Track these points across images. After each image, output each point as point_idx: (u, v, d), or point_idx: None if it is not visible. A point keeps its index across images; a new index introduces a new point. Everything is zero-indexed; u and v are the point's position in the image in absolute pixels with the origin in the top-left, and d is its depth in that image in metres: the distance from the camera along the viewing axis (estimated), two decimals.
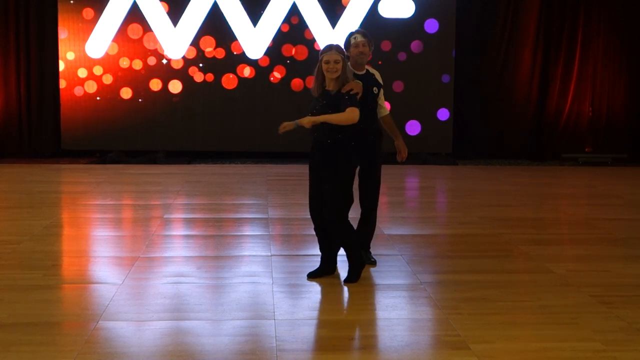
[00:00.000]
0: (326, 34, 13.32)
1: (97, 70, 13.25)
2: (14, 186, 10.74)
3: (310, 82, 13.34)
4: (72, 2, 13.12)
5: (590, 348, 4.56)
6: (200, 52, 13.36)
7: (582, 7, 13.86)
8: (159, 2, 13.21)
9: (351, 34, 6.16)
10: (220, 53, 13.38)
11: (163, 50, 13.29)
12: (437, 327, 4.95)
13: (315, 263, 6.27)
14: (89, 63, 13.23)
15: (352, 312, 5.23)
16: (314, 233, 6.00)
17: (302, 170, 11.01)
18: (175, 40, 13.26)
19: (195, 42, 13.31)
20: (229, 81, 13.45)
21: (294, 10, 13.30)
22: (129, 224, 8.53)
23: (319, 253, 6.04)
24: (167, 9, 13.23)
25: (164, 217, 8.44)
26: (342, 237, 5.80)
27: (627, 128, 14.13)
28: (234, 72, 13.43)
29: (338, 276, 6.09)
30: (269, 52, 13.37)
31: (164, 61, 13.33)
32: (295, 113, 13.21)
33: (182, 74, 13.38)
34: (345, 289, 5.73)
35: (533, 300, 5.47)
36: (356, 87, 5.73)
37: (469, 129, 14.06)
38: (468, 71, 13.96)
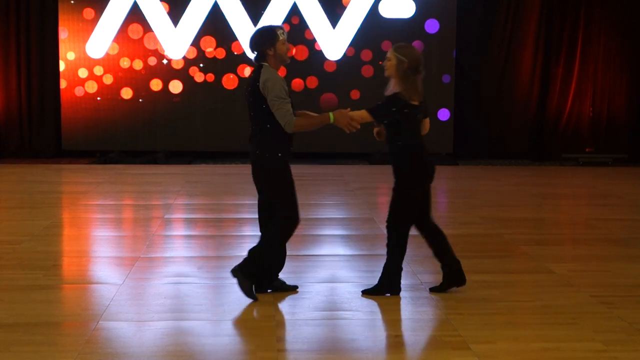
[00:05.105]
0: (326, 34, 13.32)
1: (98, 70, 13.25)
2: (14, 186, 10.74)
3: (312, 82, 13.50)
4: (72, 2, 13.12)
5: (591, 348, 4.56)
6: (200, 52, 13.36)
7: (583, 7, 13.85)
8: (159, 2, 13.21)
9: (277, 28, 5.35)
10: (221, 53, 13.38)
11: (163, 51, 13.29)
12: (438, 327, 4.95)
13: (314, 263, 6.28)
14: (90, 63, 13.23)
15: (353, 313, 5.23)
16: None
17: (302, 170, 11.02)
18: (175, 41, 13.26)
19: (195, 42, 13.31)
20: (229, 81, 13.44)
21: (294, 10, 13.30)
22: (130, 224, 8.53)
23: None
24: (167, 9, 13.22)
25: (165, 217, 8.44)
26: None
27: (628, 128, 14.12)
28: (235, 72, 13.43)
29: (338, 278, 6.09)
30: None
31: (165, 61, 13.33)
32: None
33: (182, 74, 13.38)
34: (346, 289, 5.72)
35: (534, 301, 5.47)
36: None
37: (469, 129, 14.05)
38: (469, 71, 13.95)
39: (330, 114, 5.29)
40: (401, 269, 5.52)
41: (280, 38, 5.26)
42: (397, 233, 5.47)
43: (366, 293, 5.52)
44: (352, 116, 5.34)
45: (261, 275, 5.44)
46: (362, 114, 5.39)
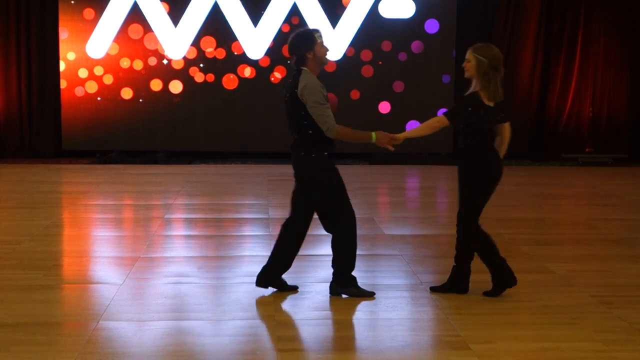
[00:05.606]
0: (327, 34, 13.31)
1: (98, 70, 13.24)
2: (14, 186, 10.74)
3: None
4: (73, 2, 13.12)
5: (590, 348, 4.56)
6: (200, 53, 13.35)
7: (583, 7, 13.84)
8: (159, 2, 13.21)
9: (314, 31, 5.38)
10: (221, 53, 13.38)
11: (164, 51, 13.28)
12: (438, 327, 4.95)
13: (314, 263, 6.26)
14: (90, 63, 13.23)
15: (353, 312, 5.23)
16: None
17: None
18: (175, 41, 13.26)
19: (195, 43, 13.31)
20: (229, 81, 13.44)
21: (294, 11, 13.29)
22: (130, 224, 8.53)
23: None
24: (167, 9, 13.22)
25: (165, 217, 8.44)
26: None
27: (628, 128, 14.11)
28: (235, 73, 13.42)
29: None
30: (269, 52, 13.36)
31: (165, 61, 13.32)
32: None
33: (182, 74, 13.37)
34: None
35: (534, 301, 5.47)
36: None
37: None
38: None
39: (373, 134, 5.39)
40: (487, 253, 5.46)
41: (318, 41, 5.30)
42: (470, 224, 5.41)
43: (498, 292, 5.47)
44: (394, 137, 5.40)
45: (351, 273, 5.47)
46: (405, 135, 5.47)
